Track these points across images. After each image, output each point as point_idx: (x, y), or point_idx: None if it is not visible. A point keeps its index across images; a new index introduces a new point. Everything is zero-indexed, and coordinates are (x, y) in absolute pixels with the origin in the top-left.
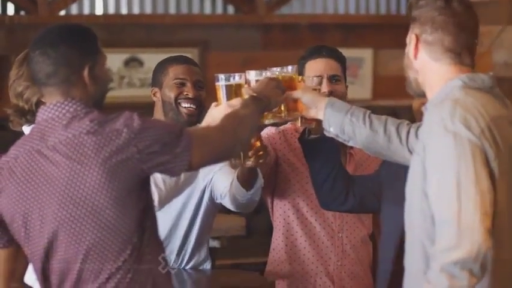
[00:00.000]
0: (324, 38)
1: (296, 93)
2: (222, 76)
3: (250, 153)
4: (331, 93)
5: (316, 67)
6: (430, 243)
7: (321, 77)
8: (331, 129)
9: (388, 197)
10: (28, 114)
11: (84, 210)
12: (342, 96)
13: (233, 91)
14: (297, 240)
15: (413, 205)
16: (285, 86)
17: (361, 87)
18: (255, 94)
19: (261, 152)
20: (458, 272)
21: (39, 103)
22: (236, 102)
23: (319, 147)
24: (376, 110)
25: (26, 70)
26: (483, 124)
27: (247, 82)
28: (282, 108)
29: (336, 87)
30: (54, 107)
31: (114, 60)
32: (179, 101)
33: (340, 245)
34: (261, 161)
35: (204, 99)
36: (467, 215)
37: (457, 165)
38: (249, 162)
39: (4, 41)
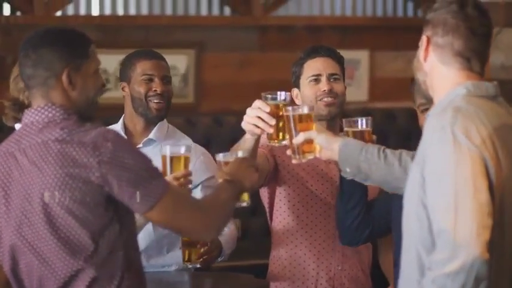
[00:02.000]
0: (320, 39)
1: (310, 134)
2: (167, 147)
3: (195, 257)
4: (330, 91)
5: (314, 66)
6: (425, 252)
7: (320, 75)
8: (347, 170)
9: (398, 206)
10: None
11: (38, 217)
12: (341, 96)
13: (180, 163)
14: (297, 247)
15: (410, 213)
16: (301, 127)
17: (357, 89)
18: (228, 178)
19: (205, 256)
20: (450, 285)
21: None
22: (180, 174)
23: (357, 188)
24: (372, 112)
25: None
26: (484, 134)
27: (218, 164)
28: (296, 149)
29: (335, 85)
30: (35, 111)
31: (110, 61)
32: (149, 97)
33: (341, 249)
34: (208, 262)
35: (171, 93)
36: (464, 227)
37: (456, 175)
38: (196, 265)
39: (0, 42)
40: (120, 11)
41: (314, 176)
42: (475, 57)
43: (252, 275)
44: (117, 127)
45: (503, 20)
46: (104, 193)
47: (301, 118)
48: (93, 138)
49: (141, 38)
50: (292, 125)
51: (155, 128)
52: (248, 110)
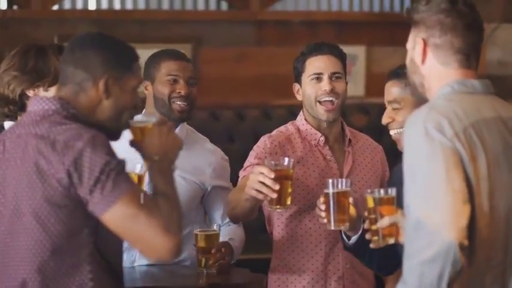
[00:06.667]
0: (317, 34)
1: (396, 218)
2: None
3: (210, 263)
4: (332, 91)
5: (317, 65)
6: None
7: (321, 74)
8: None
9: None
10: (11, 104)
11: (8, 212)
12: (342, 95)
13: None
14: (303, 251)
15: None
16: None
17: (354, 84)
18: (156, 157)
19: (221, 260)
20: (427, 271)
21: (23, 95)
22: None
23: (363, 244)
24: (369, 107)
25: (18, 61)
26: (458, 127)
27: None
28: (377, 233)
29: (337, 84)
30: (35, 101)
31: None
32: (172, 99)
33: None
34: (224, 267)
35: (195, 95)
36: (438, 215)
37: (427, 166)
38: (213, 270)
39: None
40: (117, 6)
41: (316, 178)
42: (473, 52)
43: (247, 269)
44: None
45: (500, 16)
46: (71, 196)
47: (382, 201)
48: (67, 137)
49: (138, 32)
50: (374, 208)
51: (176, 130)
52: (251, 176)
